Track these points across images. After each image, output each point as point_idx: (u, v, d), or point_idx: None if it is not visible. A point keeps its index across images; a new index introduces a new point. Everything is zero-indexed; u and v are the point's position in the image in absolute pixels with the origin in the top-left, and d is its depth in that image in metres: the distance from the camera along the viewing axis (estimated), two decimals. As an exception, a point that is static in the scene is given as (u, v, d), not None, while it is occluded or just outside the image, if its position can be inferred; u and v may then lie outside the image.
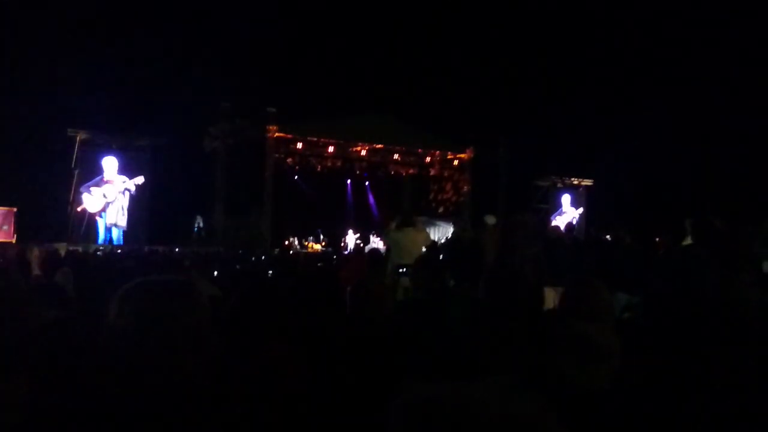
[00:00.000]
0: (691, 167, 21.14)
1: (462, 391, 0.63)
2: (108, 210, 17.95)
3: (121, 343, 1.15)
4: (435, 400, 0.62)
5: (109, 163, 17.98)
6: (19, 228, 16.71)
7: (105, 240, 17.74)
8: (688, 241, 6.03)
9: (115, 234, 18.13)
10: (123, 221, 18.21)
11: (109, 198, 17.93)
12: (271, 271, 8.59)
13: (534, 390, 0.65)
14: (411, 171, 23.85)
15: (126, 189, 18.09)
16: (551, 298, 5.79)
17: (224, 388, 1.28)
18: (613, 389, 1.39)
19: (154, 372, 1.14)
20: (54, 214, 17.62)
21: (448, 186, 23.68)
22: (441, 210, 23.73)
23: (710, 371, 1.75)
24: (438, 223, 22.30)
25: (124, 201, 18.20)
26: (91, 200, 17.67)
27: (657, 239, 9.34)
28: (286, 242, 20.34)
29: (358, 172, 23.48)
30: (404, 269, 6.35)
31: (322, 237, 22.09)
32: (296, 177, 22.72)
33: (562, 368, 1.29)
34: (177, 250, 15.64)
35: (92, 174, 17.81)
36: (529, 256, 5.34)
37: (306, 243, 21.49)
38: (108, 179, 17.94)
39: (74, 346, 1.44)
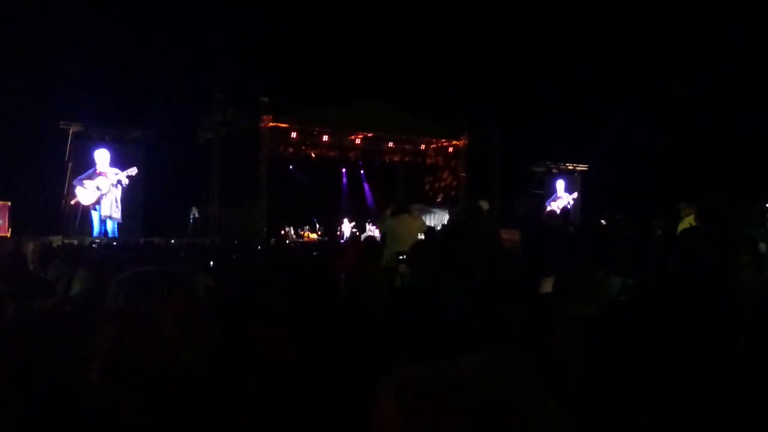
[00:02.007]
0: (684, 151, 21.18)
1: (452, 366, 0.63)
2: (102, 202, 17.86)
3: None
4: (424, 377, 0.62)
5: (101, 156, 17.85)
6: (13, 222, 16.63)
7: (100, 233, 17.66)
8: (685, 223, 6.06)
9: (110, 226, 18.05)
10: (117, 213, 18.13)
11: (103, 190, 17.83)
12: (267, 262, 8.58)
13: (528, 365, 0.64)
14: (406, 159, 23.80)
15: (119, 181, 17.99)
16: (548, 282, 5.81)
17: (218, 376, 1.28)
18: (606, 367, 1.40)
19: (141, 360, 1.13)
20: (48, 208, 17.53)
21: (444, 173, 23.67)
22: (437, 197, 23.73)
23: (703, 350, 1.75)
24: (434, 210, 22.31)
25: (118, 193, 18.10)
26: (84, 193, 17.58)
27: (652, 223, 9.39)
28: (282, 232, 20.33)
29: (353, 160, 23.42)
30: (403, 256, 6.34)
31: (318, 226, 22.10)
32: (291, 166, 22.66)
33: (557, 347, 1.30)
34: (173, 241, 15.62)
35: (85, 166, 17.69)
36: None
37: (302, 232, 21.50)
38: (101, 171, 17.83)
39: (63, 336, 1.44)
